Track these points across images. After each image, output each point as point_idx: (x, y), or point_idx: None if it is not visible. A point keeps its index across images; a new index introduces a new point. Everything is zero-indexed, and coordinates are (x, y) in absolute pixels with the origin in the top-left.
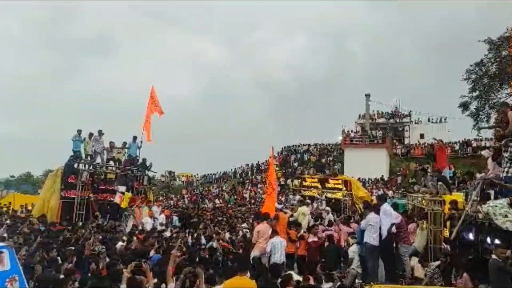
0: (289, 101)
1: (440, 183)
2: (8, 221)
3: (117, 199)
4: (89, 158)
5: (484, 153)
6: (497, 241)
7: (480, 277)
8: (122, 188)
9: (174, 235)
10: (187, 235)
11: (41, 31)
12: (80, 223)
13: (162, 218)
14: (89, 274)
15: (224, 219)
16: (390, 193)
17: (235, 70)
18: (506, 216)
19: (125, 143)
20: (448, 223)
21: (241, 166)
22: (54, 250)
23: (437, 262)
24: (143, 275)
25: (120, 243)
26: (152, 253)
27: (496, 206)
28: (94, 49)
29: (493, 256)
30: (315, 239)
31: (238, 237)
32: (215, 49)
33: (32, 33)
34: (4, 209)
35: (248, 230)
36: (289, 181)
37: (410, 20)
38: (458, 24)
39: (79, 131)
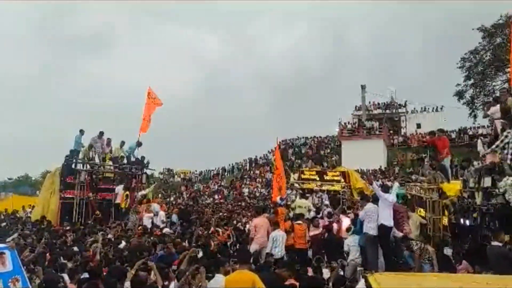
0: (287, 94)
1: (438, 171)
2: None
3: (118, 199)
4: (86, 159)
5: (480, 148)
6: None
7: (479, 263)
8: (120, 187)
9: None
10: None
11: (37, 29)
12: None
13: (162, 215)
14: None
15: (225, 214)
16: (390, 183)
17: (232, 63)
18: None
19: (123, 142)
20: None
21: (239, 162)
22: (57, 250)
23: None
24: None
25: (123, 243)
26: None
27: None
28: (92, 46)
29: (494, 242)
30: (317, 232)
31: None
32: (213, 42)
33: (28, 31)
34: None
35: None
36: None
37: (407, 11)
38: (455, 12)
39: (81, 131)
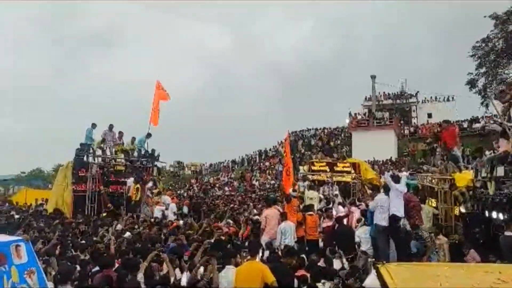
0: (297, 87)
1: (449, 161)
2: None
3: (130, 191)
4: (97, 152)
5: (495, 126)
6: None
7: (491, 253)
8: (131, 180)
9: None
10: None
11: (46, 27)
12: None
13: (173, 207)
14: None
15: (236, 206)
16: (401, 173)
17: (242, 56)
18: None
19: (134, 138)
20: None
21: (249, 154)
22: (69, 242)
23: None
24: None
25: (128, 234)
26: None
27: None
28: (100, 43)
29: (506, 232)
30: (329, 223)
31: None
32: (222, 37)
33: (37, 30)
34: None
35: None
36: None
37: (418, 0)
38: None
39: (94, 125)
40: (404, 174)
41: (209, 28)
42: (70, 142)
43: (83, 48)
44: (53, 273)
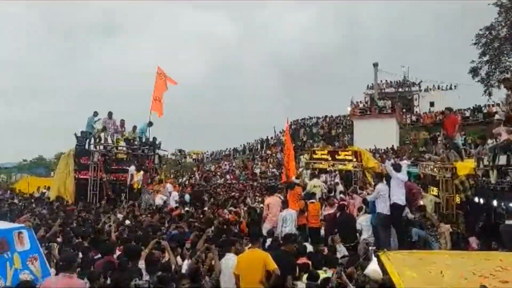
0: (299, 75)
1: (451, 150)
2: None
3: (132, 180)
4: (98, 140)
5: (498, 115)
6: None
7: (492, 240)
8: (133, 168)
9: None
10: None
11: (48, 15)
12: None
13: (175, 195)
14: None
15: (237, 194)
16: (402, 162)
17: (244, 45)
18: None
19: (135, 126)
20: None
21: (251, 143)
22: (71, 229)
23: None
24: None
25: (127, 222)
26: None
27: None
28: (101, 30)
29: (508, 221)
30: (331, 211)
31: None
32: (224, 25)
33: (38, 17)
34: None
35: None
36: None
37: None
38: None
39: (95, 113)
40: (404, 163)
41: (211, 16)
42: (72, 130)
43: (84, 36)
44: (55, 260)
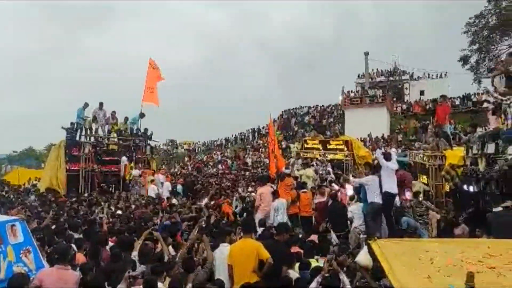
0: (292, 64)
1: (441, 138)
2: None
3: (123, 171)
4: (89, 132)
5: (486, 104)
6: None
7: (480, 228)
8: (125, 159)
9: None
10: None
11: (36, 3)
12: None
13: (168, 185)
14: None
15: (229, 184)
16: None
17: (235, 34)
18: None
19: (126, 118)
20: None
21: (242, 132)
22: (63, 221)
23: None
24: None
25: (119, 212)
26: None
27: None
28: (93, 20)
29: (495, 209)
30: (323, 199)
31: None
32: (216, 13)
33: (27, 5)
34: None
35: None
36: (290, 145)
37: None
38: None
39: (86, 104)
40: (393, 151)
41: (204, 4)
42: (62, 121)
43: (75, 26)
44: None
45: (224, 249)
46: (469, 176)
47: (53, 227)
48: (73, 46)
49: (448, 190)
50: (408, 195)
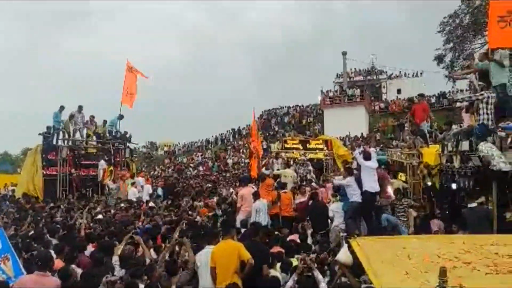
0: (271, 64)
1: (417, 136)
2: None
3: (100, 174)
4: (67, 135)
5: (459, 102)
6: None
7: (456, 223)
8: (103, 163)
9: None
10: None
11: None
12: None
13: (148, 188)
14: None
15: (210, 185)
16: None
17: (217, 33)
18: (500, 157)
19: (105, 121)
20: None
21: (223, 133)
22: (41, 227)
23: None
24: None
25: (100, 216)
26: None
27: (492, 148)
28: (69, 18)
29: (470, 204)
30: (303, 199)
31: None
32: (196, 12)
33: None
34: None
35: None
36: (271, 144)
37: None
38: None
39: (62, 108)
40: (372, 150)
41: (181, 4)
42: (38, 124)
43: (52, 22)
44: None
45: (208, 251)
46: (444, 173)
47: (31, 233)
48: (49, 45)
49: (424, 187)
50: (389, 191)
